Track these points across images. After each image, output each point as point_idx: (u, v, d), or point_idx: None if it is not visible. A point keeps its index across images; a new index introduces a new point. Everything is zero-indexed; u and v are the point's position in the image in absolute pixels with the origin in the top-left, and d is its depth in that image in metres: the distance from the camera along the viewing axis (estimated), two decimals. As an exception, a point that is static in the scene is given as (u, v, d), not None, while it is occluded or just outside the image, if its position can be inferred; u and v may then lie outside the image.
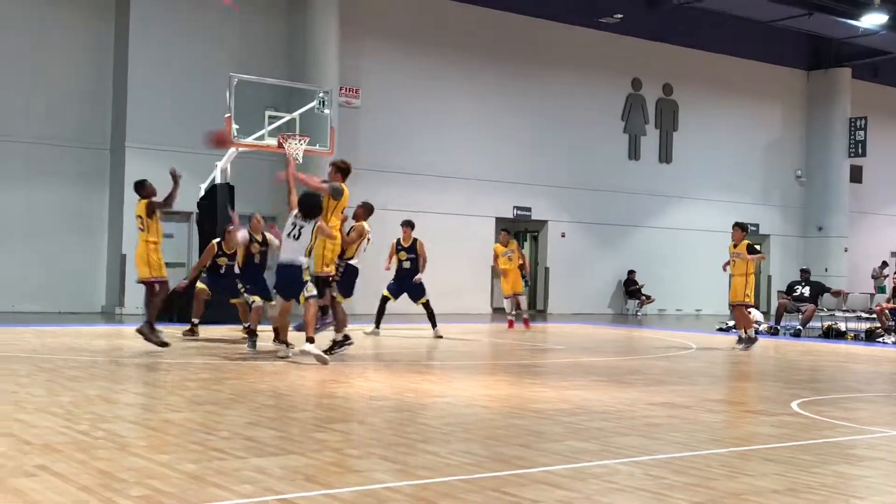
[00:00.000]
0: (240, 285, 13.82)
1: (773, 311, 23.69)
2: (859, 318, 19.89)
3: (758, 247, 17.38)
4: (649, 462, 6.02)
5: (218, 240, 14.87)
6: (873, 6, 26.83)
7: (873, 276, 31.83)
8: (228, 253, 14.57)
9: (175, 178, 12.67)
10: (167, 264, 15.35)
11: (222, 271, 14.58)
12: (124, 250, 19.94)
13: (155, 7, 21.32)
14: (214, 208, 17.92)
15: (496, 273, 21.69)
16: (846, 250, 32.50)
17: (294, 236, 11.54)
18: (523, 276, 19.46)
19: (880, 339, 17.97)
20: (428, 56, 25.23)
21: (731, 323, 18.92)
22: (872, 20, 27.60)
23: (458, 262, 24.98)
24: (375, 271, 16.99)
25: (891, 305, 18.55)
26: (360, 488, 5.09)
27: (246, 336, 13.19)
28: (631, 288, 28.25)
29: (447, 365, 12.40)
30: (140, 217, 12.63)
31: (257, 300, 13.27)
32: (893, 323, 18.21)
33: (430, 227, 23.75)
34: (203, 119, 20.29)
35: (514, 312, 19.28)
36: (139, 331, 12.49)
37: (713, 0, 27.09)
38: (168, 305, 17.65)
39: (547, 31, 27.01)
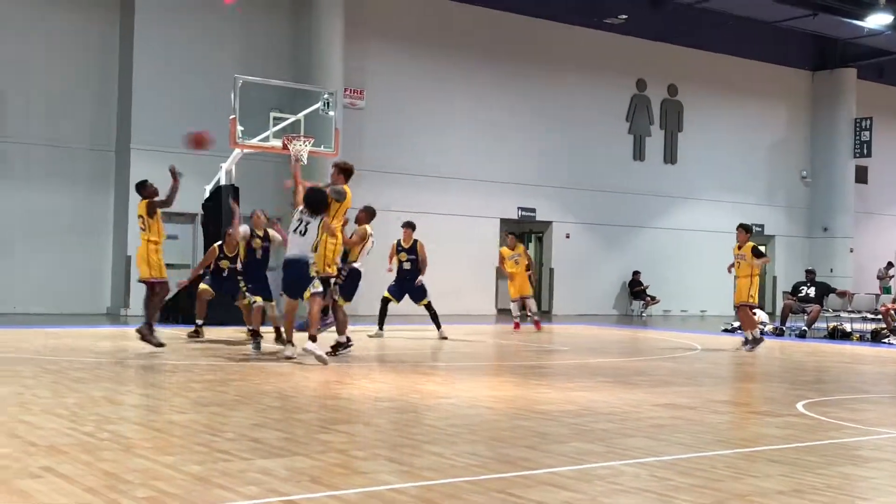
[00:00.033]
0: (242, 284, 13.68)
1: (778, 311, 23.65)
2: (865, 319, 19.85)
3: (763, 247, 17.35)
4: (655, 463, 6.01)
5: (219, 243, 14.89)
6: (878, 6, 26.79)
7: (879, 277, 31.78)
8: (230, 256, 14.58)
9: (174, 175, 12.66)
10: (172, 265, 15.44)
11: (225, 274, 14.58)
12: (129, 252, 19.96)
13: (160, 9, 21.35)
14: (219, 210, 17.93)
15: (501, 274, 21.70)
16: (852, 251, 32.45)
17: (301, 232, 11.55)
18: (530, 279, 19.48)
19: (886, 340, 17.93)
20: (433, 57, 25.23)
21: (737, 324, 18.89)
22: (877, 20, 27.56)
23: (462, 263, 25.00)
24: (377, 273, 16.99)
25: (896, 306, 18.52)
26: (366, 490, 5.08)
27: (250, 337, 13.19)
28: (636, 289, 28.23)
29: (452, 366, 12.39)
30: (141, 217, 12.67)
31: (258, 300, 13.20)
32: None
33: (434, 228, 23.80)
34: (208, 120, 20.24)
35: (519, 314, 19.28)
36: (139, 331, 12.50)
37: (718, 1, 27.07)
38: (172, 307, 17.77)
39: (552, 32, 27.00)
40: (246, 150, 18.45)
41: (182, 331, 15.29)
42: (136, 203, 13.21)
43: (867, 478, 5.92)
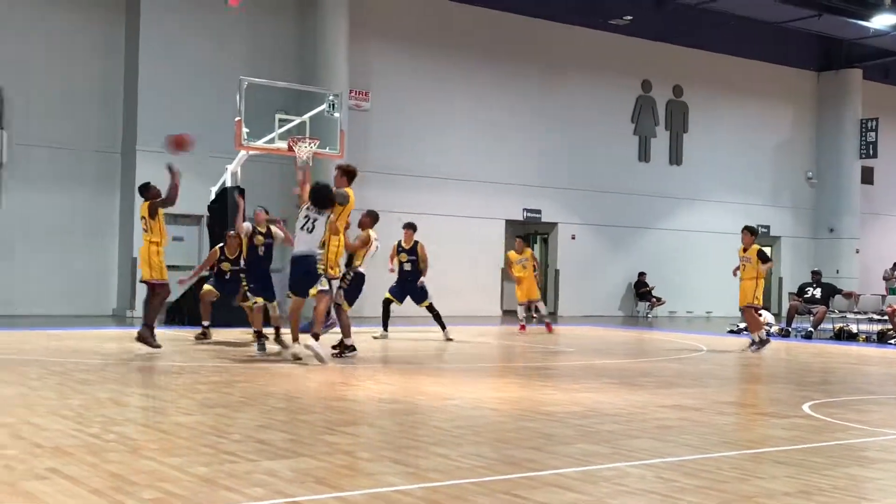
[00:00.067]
0: (244, 283, 13.61)
1: (784, 313, 23.62)
2: (871, 320, 19.81)
3: (768, 249, 17.33)
4: (660, 465, 6.00)
5: (220, 245, 14.90)
6: (884, 7, 26.75)
7: (885, 278, 31.67)
8: (231, 258, 14.59)
9: (172, 172, 12.66)
10: (178, 267, 15.44)
11: (227, 276, 14.59)
12: (135, 253, 19.93)
13: (165, 11, 21.39)
14: (225, 211, 17.94)
15: (506, 276, 21.70)
16: (857, 252, 32.40)
17: (308, 229, 11.56)
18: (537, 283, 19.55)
19: (892, 341, 17.90)
20: (438, 59, 25.24)
21: (743, 325, 18.87)
22: (883, 21, 27.52)
23: (467, 264, 25.03)
24: (379, 276, 17.00)
25: (902, 307, 18.47)
26: (371, 491, 5.09)
27: (255, 339, 13.19)
28: (641, 290, 28.21)
29: (457, 367, 12.39)
30: (144, 218, 12.69)
31: (259, 301, 13.12)
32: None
33: (439, 229, 23.85)
34: (214, 122, 20.37)
35: (525, 316, 19.28)
36: (140, 335, 12.45)
37: (723, 1, 27.05)
38: (177, 309, 17.81)
39: (556, 33, 26.99)
40: (251, 152, 18.47)
41: (188, 332, 15.32)
42: (141, 205, 13.23)
43: (874, 479, 5.90)
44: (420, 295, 16.38)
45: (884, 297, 21.64)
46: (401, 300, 16.42)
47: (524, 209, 26.67)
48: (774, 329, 19.19)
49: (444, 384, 10.23)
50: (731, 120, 30.59)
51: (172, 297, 17.91)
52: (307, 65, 22.57)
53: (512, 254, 19.37)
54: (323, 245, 11.91)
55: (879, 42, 30.70)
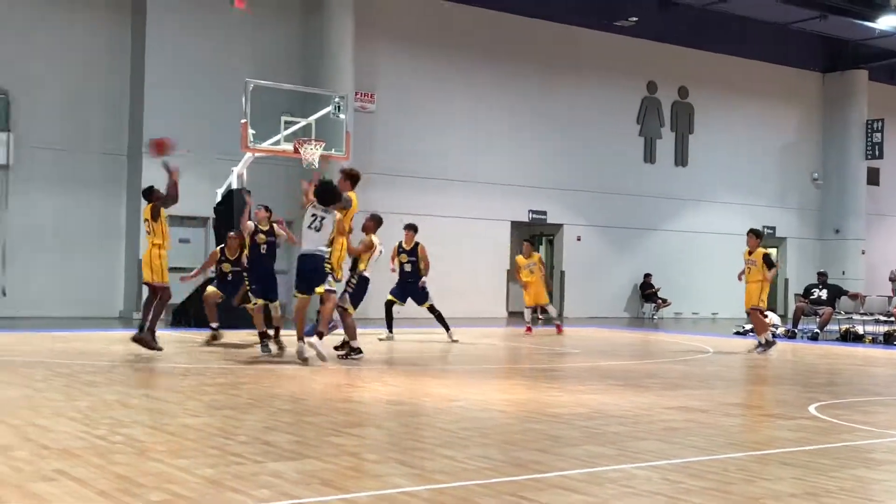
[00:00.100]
0: (246, 284, 13.48)
1: (790, 314, 23.59)
2: (877, 321, 19.77)
3: (774, 251, 17.30)
4: (666, 466, 6.00)
5: (221, 246, 14.93)
6: (889, 8, 26.73)
7: (891, 279, 31.61)
8: (231, 259, 14.61)
9: (169, 170, 12.68)
10: (184, 269, 15.43)
11: (229, 278, 14.60)
12: (141, 256, 19.99)
13: (171, 13, 21.44)
14: (230, 213, 17.96)
15: (513, 277, 21.70)
16: (863, 253, 32.35)
17: (315, 228, 11.60)
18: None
19: (898, 343, 17.87)
20: (443, 60, 25.26)
21: (749, 326, 18.86)
22: (889, 22, 27.50)
23: (473, 266, 25.06)
24: (381, 278, 16.99)
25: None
26: (377, 493, 5.09)
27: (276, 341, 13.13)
28: (647, 291, 28.20)
29: (463, 369, 12.39)
30: (147, 220, 12.69)
31: (259, 302, 13.06)
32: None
33: (445, 230, 23.90)
34: (219, 124, 20.42)
35: (531, 318, 19.30)
36: (137, 337, 12.41)
37: (728, 3, 27.03)
38: (183, 311, 17.83)
39: (562, 35, 27.00)
40: (257, 154, 18.49)
41: (194, 334, 15.34)
42: (144, 207, 13.23)
43: (881, 480, 5.90)
44: (421, 296, 16.39)
45: (890, 298, 21.61)
46: (402, 301, 16.45)
47: (529, 210, 26.67)
48: (780, 330, 19.16)
49: (449, 386, 10.24)
50: (737, 121, 30.57)
51: (178, 300, 18.06)
52: (312, 67, 22.59)
53: (520, 258, 19.40)
54: (331, 244, 11.95)
55: (885, 43, 30.65)
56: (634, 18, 27.58)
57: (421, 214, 21.92)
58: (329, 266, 11.81)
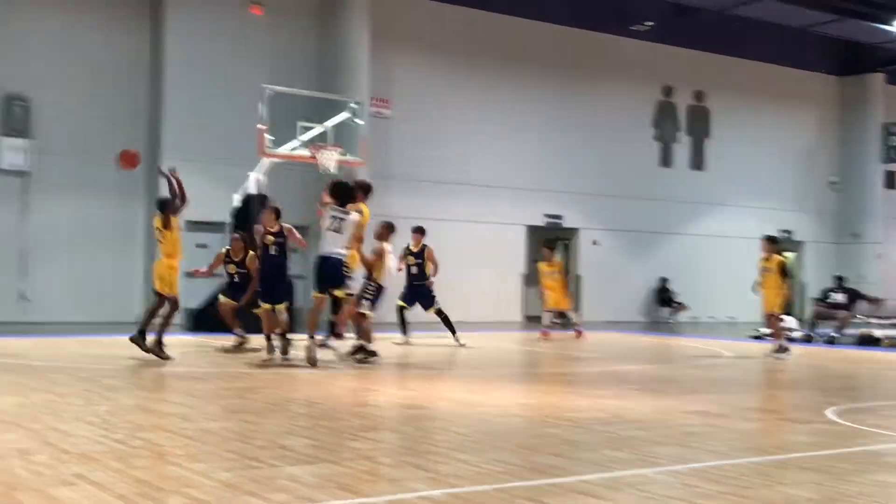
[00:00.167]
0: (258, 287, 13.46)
1: (807, 317, 23.49)
2: (894, 325, 19.67)
3: (792, 255, 17.22)
4: (684, 471, 5.99)
5: (226, 248, 14.99)
6: (907, 11, 26.61)
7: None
8: (236, 260, 14.66)
9: (168, 176, 12.71)
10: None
11: (236, 280, 14.62)
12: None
13: (189, 20, 21.54)
14: (247, 218, 17.99)
15: (528, 281, 21.68)
16: (880, 256, 32.17)
17: (335, 229, 11.69)
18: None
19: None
20: (458, 65, 25.28)
21: (766, 331, 18.79)
22: (906, 25, 27.39)
23: (488, 270, 25.05)
24: (394, 282, 16.97)
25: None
26: (394, 497, 5.10)
27: (283, 344, 13.13)
28: (664, 295, 28.14)
29: (479, 373, 12.39)
30: (159, 229, 12.69)
31: (264, 306, 12.98)
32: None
33: (461, 235, 23.93)
34: (237, 130, 20.47)
35: (550, 323, 19.29)
36: (151, 351, 12.31)
37: (744, 7, 26.96)
38: (203, 316, 17.87)
39: (577, 39, 26.99)
40: (273, 160, 18.53)
41: (213, 339, 15.38)
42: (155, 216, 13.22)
43: (899, 485, 5.87)
44: (427, 301, 16.39)
45: (907, 301, 21.50)
46: (411, 304, 16.46)
47: (545, 215, 26.65)
48: (798, 334, 19.08)
49: (465, 390, 10.23)
50: (753, 125, 30.47)
51: (196, 304, 18.13)
52: (329, 72, 22.65)
53: (542, 265, 19.41)
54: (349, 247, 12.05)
55: (902, 46, 30.52)
56: (651, 23, 27.54)
57: (437, 219, 21.95)
58: (347, 269, 11.87)
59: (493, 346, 16.72)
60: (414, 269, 16.45)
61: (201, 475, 5.45)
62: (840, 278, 20.91)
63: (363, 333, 12.66)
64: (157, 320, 12.54)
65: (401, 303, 16.39)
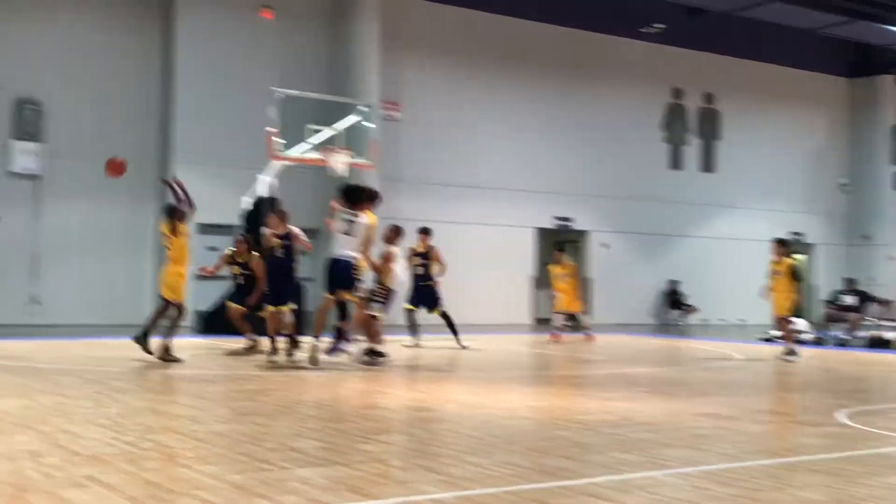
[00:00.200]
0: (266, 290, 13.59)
1: (817, 320, 23.44)
2: (905, 328, 19.62)
3: (803, 258, 17.18)
4: (694, 474, 5.98)
5: (231, 249, 15.03)
6: (917, 12, 26.54)
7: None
8: (240, 261, 14.69)
9: (170, 185, 12.74)
10: (214, 277, 15.47)
11: (241, 282, 14.64)
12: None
13: (201, 24, 21.62)
14: (258, 221, 18.01)
15: (538, 284, 21.67)
16: (891, 258, 32.05)
17: (347, 232, 11.77)
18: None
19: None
20: (468, 68, 25.31)
21: (776, 333, 18.75)
22: (916, 27, 27.32)
23: (498, 273, 25.04)
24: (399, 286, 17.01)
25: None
26: (404, 499, 5.11)
27: (289, 346, 13.17)
28: (674, 298, 28.09)
29: (489, 376, 12.38)
30: (166, 235, 12.72)
31: (269, 308, 13.07)
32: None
33: (471, 238, 23.95)
34: (247, 133, 20.50)
35: (560, 325, 19.28)
36: (159, 357, 12.34)
37: (754, 9, 26.92)
38: (213, 318, 17.90)
39: (587, 41, 26.99)
40: (284, 163, 18.56)
41: (223, 342, 15.41)
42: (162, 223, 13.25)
43: (910, 488, 5.85)
44: (431, 302, 16.38)
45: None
46: (417, 306, 16.46)
47: (554, 217, 26.64)
48: (808, 336, 19.03)
49: (475, 392, 10.22)
50: (763, 127, 30.42)
51: (206, 307, 18.17)
52: (339, 75, 22.69)
53: (554, 268, 19.41)
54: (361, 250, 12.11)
55: (913, 48, 30.45)
56: (661, 25, 27.52)
57: (447, 222, 21.98)
58: (358, 272, 11.92)
59: (502, 348, 16.72)
60: (419, 270, 16.46)
61: (212, 477, 5.47)
62: (850, 280, 20.87)
63: (373, 335, 12.68)
64: (164, 324, 12.60)
65: (408, 305, 16.39)
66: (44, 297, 20.37)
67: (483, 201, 25.18)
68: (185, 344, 13.83)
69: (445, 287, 16.71)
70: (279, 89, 18.63)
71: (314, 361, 11.70)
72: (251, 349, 14.16)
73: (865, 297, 20.18)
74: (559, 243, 21.87)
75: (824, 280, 30.93)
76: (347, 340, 12.78)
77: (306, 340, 12.37)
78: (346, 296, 11.89)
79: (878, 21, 27.49)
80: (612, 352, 16.92)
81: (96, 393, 9.20)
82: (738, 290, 28.30)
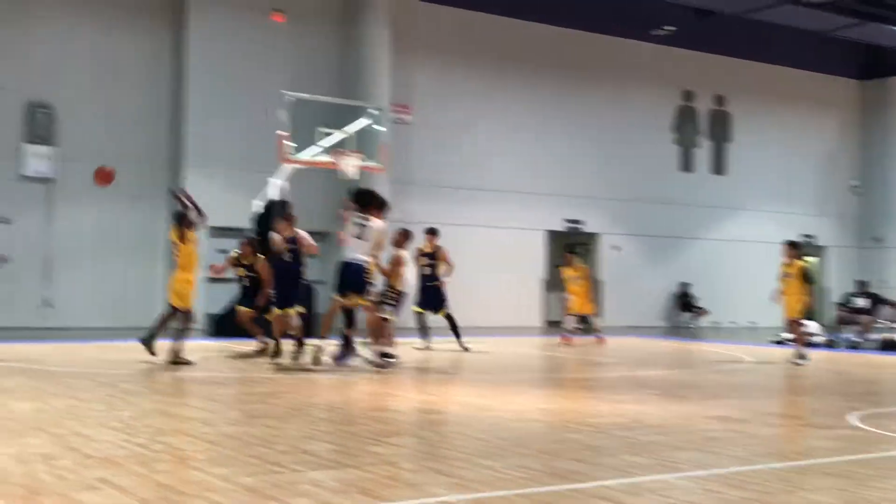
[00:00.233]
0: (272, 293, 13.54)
1: (829, 322, 23.38)
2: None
3: (814, 260, 17.14)
4: (706, 477, 5.97)
5: (236, 251, 15.07)
6: (929, 14, 26.45)
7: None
8: (244, 263, 14.72)
9: (179, 196, 12.79)
10: (224, 280, 15.51)
11: (246, 284, 14.66)
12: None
13: (212, 27, 21.66)
14: (268, 225, 18.03)
15: (549, 287, 21.64)
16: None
17: (358, 235, 11.84)
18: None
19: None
20: (479, 71, 25.31)
21: (786, 336, 18.69)
22: (927, 28, 27.23)
23: (508, 275, 25.02)
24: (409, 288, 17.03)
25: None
26: (415, 502, 5.11)
27: (296, 348, 13.18)
28: (685, 300, 28.05)
29: (499, 378, 12.38)
30: (174, 242, 12.75)
31: (275, 311, 13.10)
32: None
33: (481, 240, 23.95)
34: (259, 137, 20.55)
35: (572, 328, 19.27)
36: (170, 361, 12.31)
37: (764, 11, 26.87)
38: (225, 321, 17.93)
39: (597, 44, 26.97)
40: (295, 166, 18.59)
41: (234, 344, 15.43)
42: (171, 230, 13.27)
43: (923, 491, 5.83)
44: (437, 303, 16.36)
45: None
46: (426, 308, 16.45)
47: (565, 220, 26.62)
48: (820, 339, 18.97)
49: (485, 395, 10.22)
50: (775, 129, 30.36)
51: (217, 310, 18.20)
52: (350, 78, 22.72)
53: (567, 271, 19.41)
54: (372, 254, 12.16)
55: (924, 49, 30.34)
56: (671, 27, 27.49)
57: (457, 224, 21.97)
58: (369, 276, 11.96)
59: (512, 351, 16.71)
60: (426, 271, 16.46)
61: (223, 480, 5.48)
62: (862, 283, 20.83)
63: (384, 337, 12.70)
64: (173, 328, 12.65)
65: (416, 308, 16.37)
66: (56, 300, 20.45)
67: (494, 204, 25.18)
68: (196, 346, 13.86)
69: (457, 289, 16.71)
70: (290, 93, 18.66)
71: (317, 361, 11.75)
72: (261, 352, 14.18)
73: (877, 300, 20.14)
74: (570, 246, 21.85)
75: (836, 282, 30.84)
76: (353, 350, 12.75)
77: (313, 343, 12.39)
78: (358, 299, 11.92)
79: (890, 23, 27.39)
80: (622, 354, 16.90)
81: (108, 396, 9.23)
82: (748, 293, 28.24)
